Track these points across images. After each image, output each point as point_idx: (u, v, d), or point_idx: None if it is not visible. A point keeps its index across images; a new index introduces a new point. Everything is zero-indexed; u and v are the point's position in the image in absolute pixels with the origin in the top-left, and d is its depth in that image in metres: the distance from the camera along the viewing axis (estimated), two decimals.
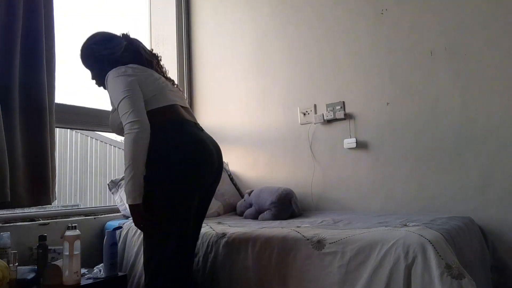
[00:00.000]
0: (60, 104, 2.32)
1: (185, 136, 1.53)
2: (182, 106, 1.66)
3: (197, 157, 1.52)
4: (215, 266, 1.72)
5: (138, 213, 1.46)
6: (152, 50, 1.82)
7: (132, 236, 2.16)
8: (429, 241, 1.32)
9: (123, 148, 1.45)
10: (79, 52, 1.70)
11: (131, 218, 2.39)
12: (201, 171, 1.54)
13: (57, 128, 2.32)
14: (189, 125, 1.60)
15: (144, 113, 1.47)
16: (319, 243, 1.49)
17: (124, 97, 1.47)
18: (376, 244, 1.39)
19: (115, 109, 1.55)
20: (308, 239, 1.53)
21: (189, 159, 1.50)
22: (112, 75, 1.54)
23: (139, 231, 2.12)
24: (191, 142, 1.53)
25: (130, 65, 1.59)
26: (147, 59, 1.71)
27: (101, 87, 1.71)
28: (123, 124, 1.45)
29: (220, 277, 1.70)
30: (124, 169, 1.44)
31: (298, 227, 1.73)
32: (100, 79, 1.66)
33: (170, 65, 3.29)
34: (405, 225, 1.58)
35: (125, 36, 1.70)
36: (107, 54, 1.63)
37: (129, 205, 1.46)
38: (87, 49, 1.68)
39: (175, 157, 1.48)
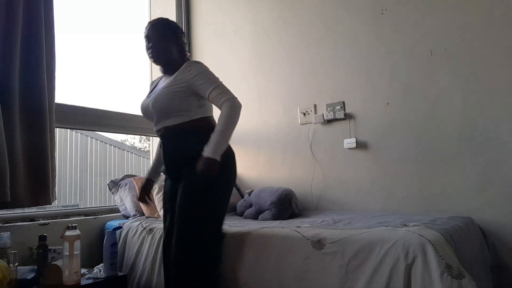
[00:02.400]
0: (60, 104, 2.32)
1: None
2: None
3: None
4: None
5: (215, 169, 1.54)
6: None
7: (132, 236, 2.16)
8: (429, 241, 1.32)
9: (225, 114, 1.62)
10: (163, 20, 1.82)
11: (131, 218, 2.43)
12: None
13: (57, 128, 2.32)
14: None
15: None
16: (319, 243, 1.49)
17: (221, 81, 1.68)
18: (376, 244, 1.39)
19: (182, 94, 1.65)
20: (308, 239, 1.53)
21: (235, 169, 1.76)
22: (203, 65, 1.71)
23: (139, 231, 2.12)
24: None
25: None
26: None
27: (152, 59, 1.78)
28: (225, 96, 1.63)
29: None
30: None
31: (298, 227, 1.73)
32: (161, 52, 1.75)
33: None
34: (405, 225, 1.58)
35: None
36: (182, 43, 1.82)
37: (214, 160, 1.52)
38: (176, 27, 1.82)
39: (234, 163, 1.73)
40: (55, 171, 2.10)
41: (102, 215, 2.56)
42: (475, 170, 2.05)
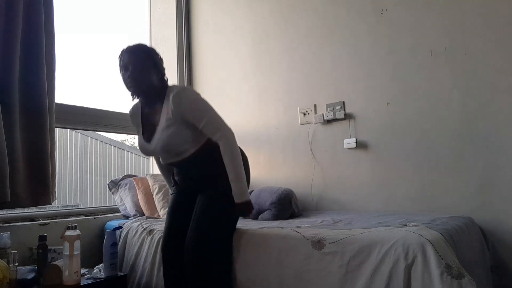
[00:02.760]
0: (60, 104, 2.32)
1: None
2: None
3: None
4: None
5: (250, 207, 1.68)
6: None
7: (132, 236, 2.15)
8: (429, 241, 1.32)
9: (227, 156, 1.63)
10: (139, 45, 1.72)
11: (131, 218, 2.43)
12: None
13: (57, 128, 2.32)
14: None
15: None
16: (319, 243, 1.49)
17: (213, 111, 1.67)
18: (376, 244, 1.39)
19: (180, 126, 1.64)
20: (308, 239, 1.53)
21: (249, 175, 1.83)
22: (192, 92, 1.70)
23: (139, 231, 2.12)
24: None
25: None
26: None
27: (131, 89, 1.71)
28: (217, 133, 1.63)
29: None
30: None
31: (298, 227, 1.73)
32: (141, 81, 1.68)
33: (170, 65, 3.28)
34: (405, 225, 1.58)
35: None
36: (162, 69, 1.76)
37: (245, 201, 1.64)
38: (154, 52, 1.75)
39: (247, 170, 1.80)
40: (55, 171, 2.10)
41: (102, 215, 2.56)
42: (475, 170, 2.05)
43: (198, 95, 1.69)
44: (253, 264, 1.61)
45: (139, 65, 1.65)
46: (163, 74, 1.76)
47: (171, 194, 1.90)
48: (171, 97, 1.62)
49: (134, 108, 1.86)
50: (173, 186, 1.91)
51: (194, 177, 1.77)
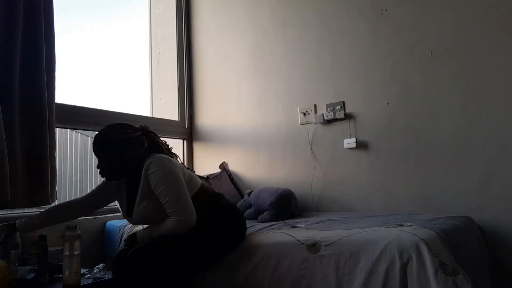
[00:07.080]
0: (60, 104, 2.31)
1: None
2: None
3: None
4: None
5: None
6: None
7: None
8: (422, 239, 1.32)
9: (166, 228, 1.61)
10: (96, 141, 1.66)
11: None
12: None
13: (57, 128, 2.31)
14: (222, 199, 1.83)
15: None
16: (314, 246, 1.49)
17: (178, 190, 1.60)
18: (370, 244, 1.39)
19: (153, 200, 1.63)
20: (303, 243, 1.52)
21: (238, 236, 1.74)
22: (159, 169, 1.60)
23: None
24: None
25: (165, 156, 1.68)
26: (167, 149, 1.79)
27: (106, 178, 1.71)
28: (174, 217, 1.58)
29: None
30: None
31: (293, 227, 1.72)
32: (111, 172, 1.68)
33: (170, 65, 3.28)
34: (400, 225, 1.58)
35: (143, 131, 1.73)
36: (130, 154, 1.66)
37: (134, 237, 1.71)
38: (109, 144, 1.65)
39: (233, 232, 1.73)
40: (55, 171, 2.10)
41: (102, 215, 2.55)
42: (475, 170, 2.05)
43: (169, 168, 1.62)
44: (251, 274, 1.58)
45: (105, 156, 1.65)
46: (131, 157, 1.65)
47: None
48: (144, 168, 1.61)
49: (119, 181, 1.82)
50: None
51: None
